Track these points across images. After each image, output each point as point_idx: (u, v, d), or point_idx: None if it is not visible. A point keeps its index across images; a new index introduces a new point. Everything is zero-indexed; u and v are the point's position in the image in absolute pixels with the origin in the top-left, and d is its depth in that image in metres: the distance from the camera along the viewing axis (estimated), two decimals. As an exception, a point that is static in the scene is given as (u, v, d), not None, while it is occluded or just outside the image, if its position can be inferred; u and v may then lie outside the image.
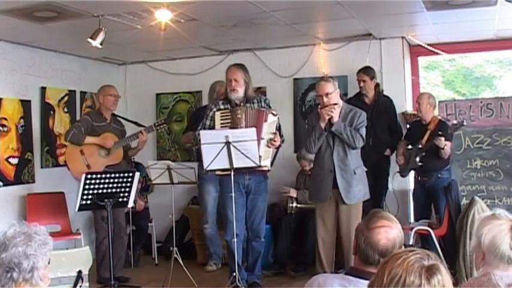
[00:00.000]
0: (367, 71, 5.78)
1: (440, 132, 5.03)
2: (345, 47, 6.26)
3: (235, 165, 4.37)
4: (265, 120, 4.57)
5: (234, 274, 4.52)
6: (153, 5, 4.36)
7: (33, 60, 5.97)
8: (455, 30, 5.81)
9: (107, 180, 4.58)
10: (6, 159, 5.60)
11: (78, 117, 6.40)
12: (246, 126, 4.53)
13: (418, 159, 5.21)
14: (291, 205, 5.75)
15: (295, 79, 6.55)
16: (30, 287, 1.87)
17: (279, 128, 4.74)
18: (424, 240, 5.26)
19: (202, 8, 4.62)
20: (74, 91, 6.53)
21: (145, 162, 5.92)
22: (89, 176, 4.52)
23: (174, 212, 5.44)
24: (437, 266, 1.42)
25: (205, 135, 4.43)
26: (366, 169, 4.66)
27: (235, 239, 4.57)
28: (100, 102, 5.48)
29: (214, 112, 4.72)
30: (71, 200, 5.61)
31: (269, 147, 4.61)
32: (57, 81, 6.29)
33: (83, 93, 6.63)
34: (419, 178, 5.41)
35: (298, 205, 5.75)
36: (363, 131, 4.54)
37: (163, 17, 4.51)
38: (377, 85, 5.83)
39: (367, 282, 1.66)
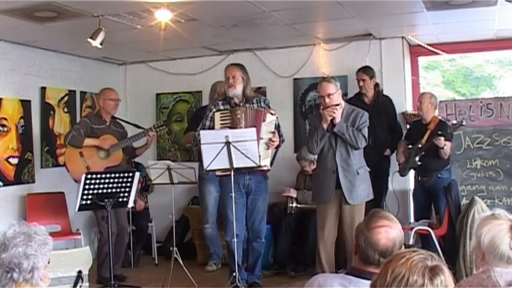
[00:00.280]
0: (366, 70, 5.79)
1: (440, 132, 5.03)
2: (345, 47, 6.27)
3: (235, 165, 4.38)
4: (264, 120, 4.57)
5: (234, 274, 4.51)
6: (153, 5, 4.36)
7: (33, 60, 5.97)
8: (455, 30, 5.81)
9: (107, 180, 4.58)
10: (6, 159, 5.60)
11: (78, 117, 6.41)
12: (246, 126, 4.53)
13: (417, 158, 5.21)
14: (291, 205, 5.75)
15: (295, 79, 6.55)
16: (30, 287, 1.87)
17: (278, 128, 4.75)
18: (424, 240, 5.26)
19: (202, 8, 4.62)
20: (74, 91, 6.53)
21: (145, 162, 5.91)
22: (89, 176, 4.52)
23: (174, 212, 5.44)
24: (441, 267, 1.43)
25: (205, 135, 4.43)
26: (369, 169, 4.66)
27: (235, 239, 4.57)
28: (100, 106, 5.49)
29: (213, 113, 4.72)
30: (71, 200, 5.61)
31: (268, 147, 4.61)
32: (57, 81, 6.29)
33: (83, 93, 6.63)
34: (419, 178, 5.41)
35: (298, 205, 5.75)
36: (365, 131, 4.54)
37: (163, 17, 4.51)
38: (376, 85, 5.84)
39: (367, 282, 1.66)
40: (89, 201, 4.55)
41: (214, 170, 4.56)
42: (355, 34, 5.97)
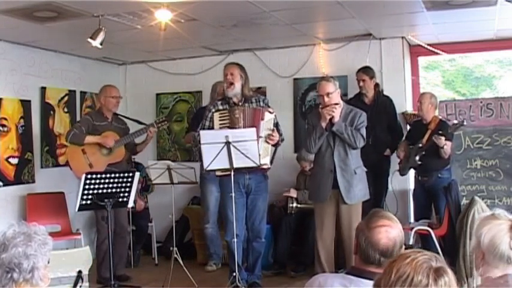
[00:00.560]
0: (366, 70, 5.79)
1: (440, 132, 5.04)
2: (345, 47, 6.27)
3: (235, 165, 4.38)
4: (262, 119, 4.58)
5: (234, 274, 4.52)
6: (153, 5, 4.36)
7: (33, 60, 5.97)
8: (455, 30, 5.81)
9: (107, 180, 4.58)
10: (6, 159, 5.60)
11: (78, 117, 6.41)
12: (244, 126, 4.53)
13: (417, 158, 5.21)
14: (291, 205, 5.75)
15: (295, 79, 6.55)
16: (30, 287, 1.87)
17: (277, 126, 4.75)
18: (424, 240, 5.26)
19: (202, 8, 4.62)
20: (74, 91, 6.53)
21: (145, 162, 5.91)
22: (89, 176, 4.52)
23: (174, 212, 5.44)
24: (445, 268, 1.44)
25: (205, 135, 4.43)
26: (365, 169, 4.67)
27: (235, 239, 4.57)
28: (101, 103, 5.48)
29: (212, 113, 4.73)
30: (71, 200, 5.61)
31: (268, 142, 4.61)
32: (57, 81, 6.29)
33: (83, 93, 6.64)
34: (419, 178, 5.41)
35: (298, 205, 5.75)
36: (364, 131, 4.55)
37: (163, 17, 4.51)
38: (376, 85, 5.84)
39: (368, 281, 1.67)
40: (89, 201, 4.55)
41: (214, 170, 4.56)
42: (355, 34, 5.97)
